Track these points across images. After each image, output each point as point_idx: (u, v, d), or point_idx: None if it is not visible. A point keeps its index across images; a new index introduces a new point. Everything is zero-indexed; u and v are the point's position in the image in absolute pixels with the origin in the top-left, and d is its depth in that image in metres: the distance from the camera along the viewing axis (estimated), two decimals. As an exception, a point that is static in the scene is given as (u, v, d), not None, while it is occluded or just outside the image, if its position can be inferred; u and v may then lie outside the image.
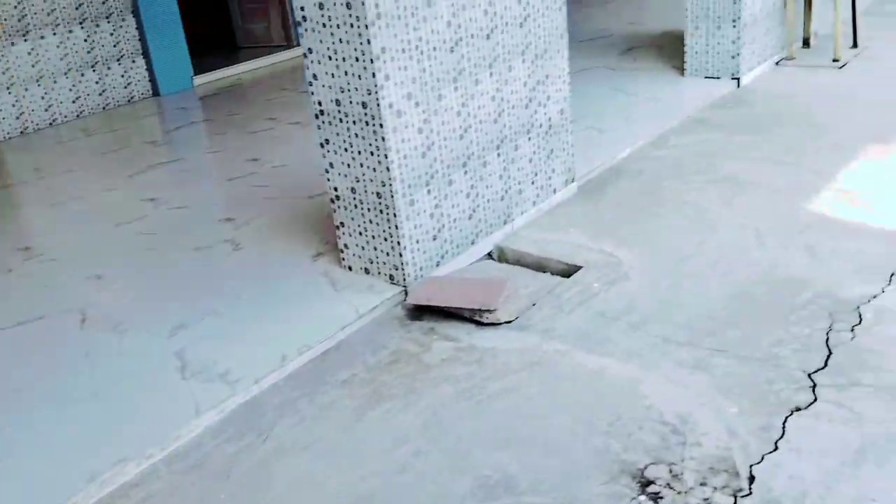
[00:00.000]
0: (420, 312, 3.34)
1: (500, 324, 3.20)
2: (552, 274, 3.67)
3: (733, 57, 5.86)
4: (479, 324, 3.21)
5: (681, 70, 6.19)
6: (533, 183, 4.10)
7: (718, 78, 5.97)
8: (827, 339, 2.85)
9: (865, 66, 6.05)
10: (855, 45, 6.45)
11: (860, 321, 2.93)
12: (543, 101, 4.05)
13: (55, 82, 6.88)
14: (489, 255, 3.89)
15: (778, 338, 2.91)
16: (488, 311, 3.18)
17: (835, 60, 6.15)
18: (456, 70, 3.49)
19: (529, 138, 4.01)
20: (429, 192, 3.48)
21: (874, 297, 3.08)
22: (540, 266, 3.75)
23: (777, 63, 6.34)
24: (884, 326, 2.88)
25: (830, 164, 4.37)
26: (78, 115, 7.05)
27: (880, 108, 5.15)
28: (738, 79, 5.89)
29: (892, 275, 3.22)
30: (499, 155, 3.84)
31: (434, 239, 3.56)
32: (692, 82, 6.03)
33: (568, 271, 3.64)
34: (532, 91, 3.96)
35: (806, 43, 6.63)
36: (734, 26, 5.78)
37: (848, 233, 3.61)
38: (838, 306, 3.05)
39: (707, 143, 4.94)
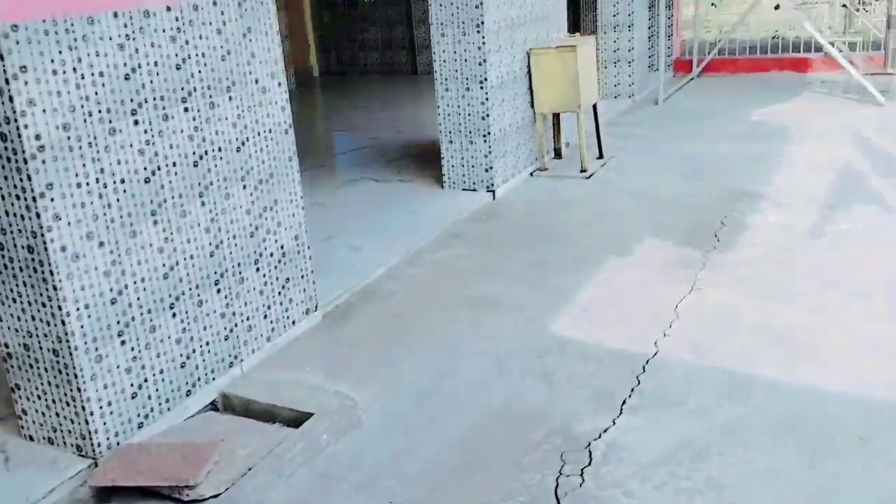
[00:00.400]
0: (110, 492, 2.78)
1: (204, 500, 2.72)
2: (282, 424, 3.26)
3: (487, 170, 5.96)
4: (180, 502, 2.71)
5: (441, 182, 6.20)
6: (266, 317, 3.72)
7: (475, 190, 6.03)
8: (556, 487, 2.67)
9: (609, 176, 6.39)
10: (601, 155, 6.84)
11: (590, 461, 2.79)
12: (273, 228, 3.73)
13: None
14: (213, 405, 3.42)
15: (509, 489, 2.68)
16: (188, 486, 2.70)
17: (583, 171, 6.45)
18: (154, 202, 3.08)
19: (258, 269, 3.65)
20: (123, 343, 2.98)
21: (605, 430, 2.97)
22: (269, 415, 3.33)
23: (532, 174, 6.54)
24: (611, 468, 2.75)
25: (573, 279, 4.40)
26: None
27: (621, 218, 5.37)
28: (493, 191, 5.98)
29: (622, 403, 3.15)
30: (219, 291, 3.43)
31: (133, 397, 3.04)
32: (451, 195, 6.03)
33: (299, 419, 3.24)
34: (258, 219, 3.63)
35: (558, 154, 6.95)
36: (485, 141, 5.89)
37: (585, 356, 3.55)
38: (570, 444, 2.89)
39: (460, 260, 4.85)
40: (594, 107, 6.74)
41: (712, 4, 15.33)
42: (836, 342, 3.51)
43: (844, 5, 9.48)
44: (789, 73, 10.24)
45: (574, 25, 11.96)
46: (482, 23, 5.65)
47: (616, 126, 8.17)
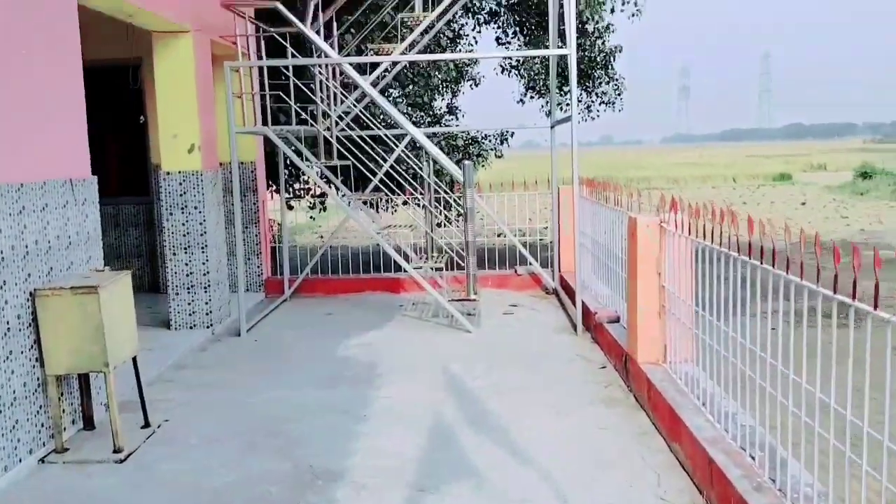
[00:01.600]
0: None
1: None
2: None
3: (-52, 475, 3.96)
4: None
5: None
6: None
7: (-72, 507, 3.96)
8: None
9: (153, 456, 4.78)
10: (147, 423, 5.23)
11: None
12: None
13: None
14: None
15: None
16: None
17: (117, 451, 4.75)
18: None
19: None
20: None
21: None
22: None
23: (42, 460, 4.65)
24: None
25: None
26: None
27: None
28: (-42, 506, 3.97)
29: None
30: None
31: None
32: None
33: None
34: None
35: (89, 423, 5.16)
36: (-55, 431, 3.94)
37: None
38: None
39: None
40: (134, 360, 5.19)
41: (311, 217, 15.27)
42: None
43: (427, 231, 9.55)
44: (384, 294, 9.93)
45: (150, 249, 10.44)
46: (-61, 261, 3.90)
47: (185, 370, 6.69)
